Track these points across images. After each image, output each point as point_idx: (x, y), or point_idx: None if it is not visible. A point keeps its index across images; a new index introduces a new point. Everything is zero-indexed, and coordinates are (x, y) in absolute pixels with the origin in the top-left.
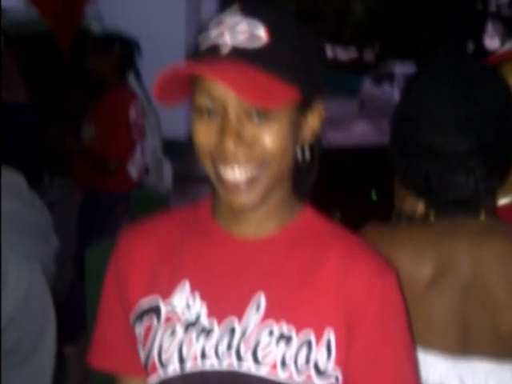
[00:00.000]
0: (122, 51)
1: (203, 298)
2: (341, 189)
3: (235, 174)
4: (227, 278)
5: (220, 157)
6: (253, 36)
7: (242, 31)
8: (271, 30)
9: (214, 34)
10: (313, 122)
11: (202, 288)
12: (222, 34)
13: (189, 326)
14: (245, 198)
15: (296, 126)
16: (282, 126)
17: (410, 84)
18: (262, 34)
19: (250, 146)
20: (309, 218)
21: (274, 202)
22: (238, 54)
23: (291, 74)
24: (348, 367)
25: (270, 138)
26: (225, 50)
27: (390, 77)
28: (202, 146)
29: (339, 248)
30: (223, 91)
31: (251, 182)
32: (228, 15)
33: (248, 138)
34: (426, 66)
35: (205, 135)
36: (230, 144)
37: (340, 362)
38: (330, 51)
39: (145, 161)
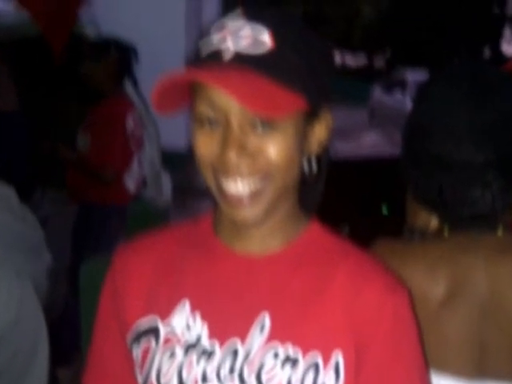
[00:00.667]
0: (119, 57)
1: (204, 318)
2: (349, 202)
3: (238, 186)
4: (230, 297)
5: (222, 169)
6: (257, 41)
7: (246, 36)
8: (276, 35)
9: (215, 39)
10: (320, 132)
11: (202, 308)
12: (224, 39)
13: (189, 348)
14: (248, 213)
15: (302, 137)
16: (287, 136)
17: (423, 91)
18: (266, 39)
19: (254, 157)
20: (316, 233)
21: (278, 216)
22: (242, 60)
23: (297, 81)
24: None
25: (274, 149)
26: (227, 56)
27: (402, 84)
28: (203, 158)
29: (348, 265)
30: (225, 100)
31: (255, 196)
32: (230, 19)
33: (251, 149)
34: (440, 73)
35: (206, 146)
36: (232, 155)
37: None
38: (337, 57)
39: (142, 173)
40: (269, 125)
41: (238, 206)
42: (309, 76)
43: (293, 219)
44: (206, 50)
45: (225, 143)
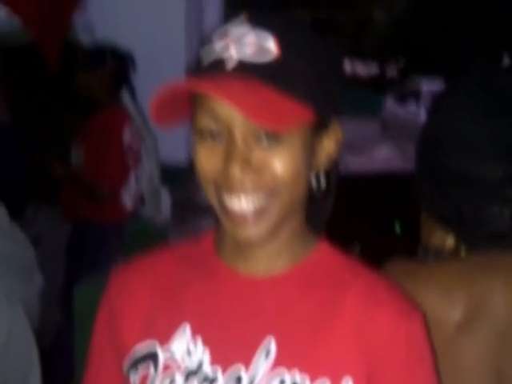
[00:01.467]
0: (115, 66)
1: (206, 342)
2: (360, 220)
3: (242, 203)
4: (233, 321)
5: (225, 185)
6: (261, 49)
7: (250, 43)
8: (282, 43)
9: (218, 46)
10: (329, 145)
11: (204, 332)
12: (227, 47)
13: (190, 375)
14: (253, 231)
15: (310, 150)
16: (293, 149)
17: (439, 102)
18: (271, 46)
19: (259, 172)
20: (325, 253)
21: (285, 235)
22: (245, 69)
23: (304, 91)
24: None
25: (280, 163)
26: (230, 65)
27: (416, 94)
28: (205, 173)
29: (359, 287)
30: (228, 111)
31: (260, 213)
32: (234, 26)
33: (256, 163)
34: (457, 82)
35: (208, 160)
36: (236, 170)
37: None
38: (348, 66)
39: (140, 189)
40: (274, 138)
41: (241, 224)
42: (316, 85)
43: (300, 238)
44: (207, 59)
45: (228, 157)
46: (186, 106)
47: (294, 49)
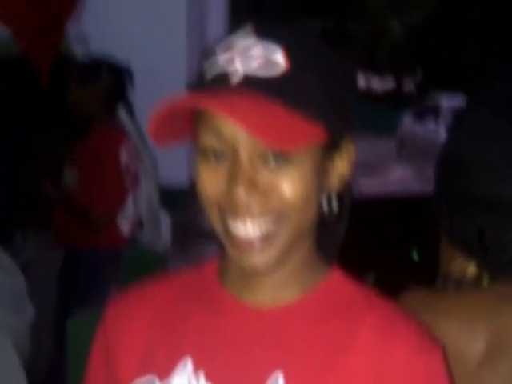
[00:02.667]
0: (111, 81)
1: (209, 378)
2: (375, 246)
3: (248, 228)
4: (238, 355)
5: (230, 208)
6: (269, 62)
7: (256, 56)
8: (291, 56)
9: (222, 59)
10: (341, 165)
11: (207, 367)
12: (232, 60)
13: None
14: (259, 258)
15: (321, 172)
16: (303, 171)
17: (460, 120)
18: (279, 59)
19: (266, 195)
20: (336, 282)
21: (293, 262)
22: (251, 83)
23: (315, 108)
24: None
25: (289, 185)
26: (235, 79)
27: (435, 111)
28: (208, 195)
29: (373, 319)
30: (233, 129)
31: (267, 239)
32: (239, 37)
33: (263, 185)
34: (479, 98)
35: (211, 182)
36: (241, 193)
37: None
38: (362, 80)
39: (138, 212)
40: (282, 158)
41: (247, 250)
42: (328, 102)
43: (310, 266)
44: (211, 73)
45: (232, 179)
46: (188, 123)
47: (304, 62)
